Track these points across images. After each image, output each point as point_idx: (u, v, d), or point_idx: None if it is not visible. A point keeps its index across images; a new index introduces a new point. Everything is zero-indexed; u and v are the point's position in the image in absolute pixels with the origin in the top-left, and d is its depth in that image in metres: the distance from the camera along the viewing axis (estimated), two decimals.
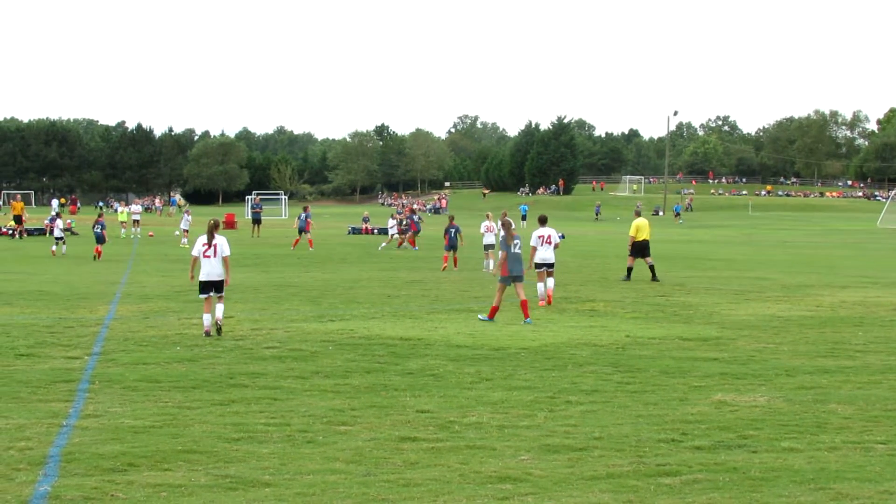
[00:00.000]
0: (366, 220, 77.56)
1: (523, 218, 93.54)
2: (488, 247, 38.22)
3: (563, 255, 40.27)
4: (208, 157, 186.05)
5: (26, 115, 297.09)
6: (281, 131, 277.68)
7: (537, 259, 25.89)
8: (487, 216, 40.46)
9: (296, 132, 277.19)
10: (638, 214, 35.15)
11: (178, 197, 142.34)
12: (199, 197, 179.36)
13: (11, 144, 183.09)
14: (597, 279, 34.15)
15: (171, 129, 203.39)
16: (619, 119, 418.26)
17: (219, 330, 19.61)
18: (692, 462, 10.34)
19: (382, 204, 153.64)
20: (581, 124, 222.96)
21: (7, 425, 11.75)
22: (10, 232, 64.45)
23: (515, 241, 22.81)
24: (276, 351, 17.70)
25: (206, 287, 19.81)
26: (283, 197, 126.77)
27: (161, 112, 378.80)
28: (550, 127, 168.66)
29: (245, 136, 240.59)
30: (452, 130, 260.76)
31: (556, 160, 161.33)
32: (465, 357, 17.23)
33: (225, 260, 19.91)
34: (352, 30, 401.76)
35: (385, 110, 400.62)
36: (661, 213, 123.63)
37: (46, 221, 71.41)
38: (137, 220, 68.97)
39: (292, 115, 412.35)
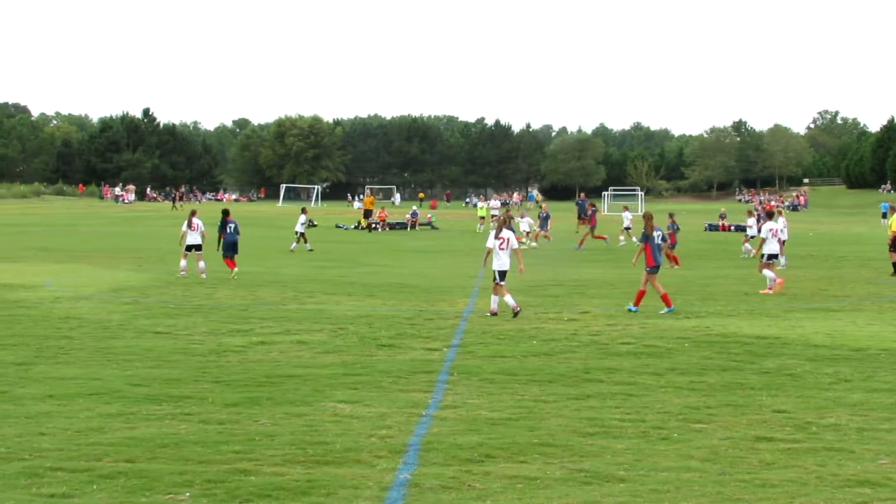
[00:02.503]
0: (723, 216, 76.41)
1: (884, 216, 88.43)
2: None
3: None
4: (565, 153, 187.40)
5: (389, 112, 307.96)
6: (637, 127, 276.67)
7: (766, 251, 28.14)
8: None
9: (652, 128, 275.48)
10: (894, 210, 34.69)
11: (535, 192, 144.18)
12: (556, 192, 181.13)
13: (375, 141, 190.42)
14: None
15: (528, 126, 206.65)
16: None
17: (515, 314, 21.81)
18: None
19: (740, 200, 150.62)
20: None
21: (369, 413, 12.22)
22: (371, 226, 67.18)
23: (657, 233, 23.76)
24: (632, 347, 17.67)
25: (502, 276, 22.33)
26: (640, 193, 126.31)
27: (519, 108, 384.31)
28: None
29: (602, 132, 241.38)
30: (812, 126, 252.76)
31: None
32: (824, 357, 16.70)
33: (516, 252, 22.56)
34: (710, 24, 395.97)
35: (743, 105, 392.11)
36: None
37: (408, 216, 74.05)
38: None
39: (649, 110, 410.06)
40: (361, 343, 18.02)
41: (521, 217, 54.28)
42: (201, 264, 31.23)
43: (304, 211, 47.74)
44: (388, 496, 8.84)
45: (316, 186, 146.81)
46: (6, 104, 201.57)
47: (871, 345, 18.05)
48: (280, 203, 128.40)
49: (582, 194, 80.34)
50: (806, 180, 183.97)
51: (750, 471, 9.73)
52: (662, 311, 22.78)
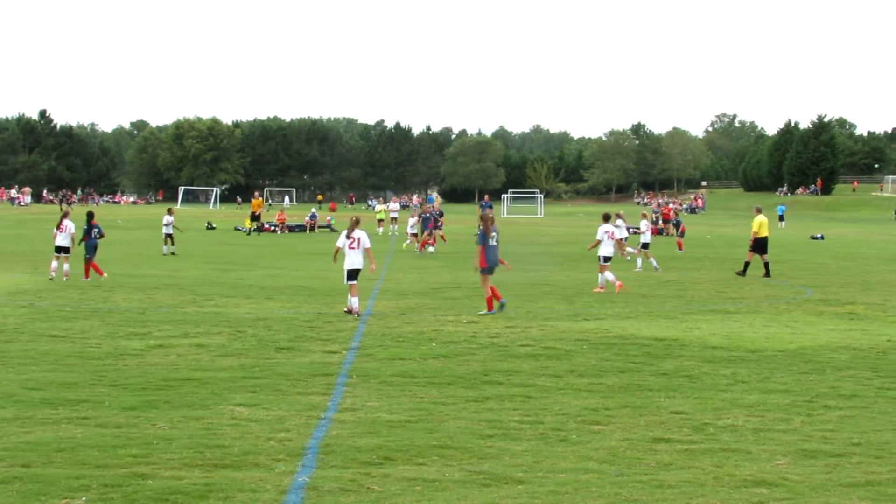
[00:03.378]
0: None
1: (780, 218, 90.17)
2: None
3: (822, 256, 39.24)
4: (465, 155, 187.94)
5: (288, 114, 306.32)
6: (537, 130, 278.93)
7: (603, 252, 29.15)
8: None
9: (552, 131, 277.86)
10: (759, 212, 35.99)
11: (435, 195, 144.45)
12: (455, 195, 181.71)
13: (274, 143, 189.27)
14: (857, 282, 33.05)
15: (428, 128, 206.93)
16: (882, 117, 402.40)
17: (349, 312, 22.71)
18: None
19: (638, 203, 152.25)
20: (842, 123, 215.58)
21: (268, 416, 12.19)
22: (261, 228, 66.94)
23: (493, 235, 23.89)
24: (531, 349, 17.80)
25: (352, 275, 22.94)
26: (540, 195, 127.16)
27: (419, 111, 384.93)
28: (810, 126, 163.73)
29: (501, 134, 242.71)
30: (710, 129, 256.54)
31: (815, 160, 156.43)
32: (721, 358, 16.98)
33: (367, 251, 23.21)
34: (609, 28, 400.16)
35: (642, 109, 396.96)
36: None
37: (307, 219, 73.83)
38: (395, 218, 70.31)
39: (549, 113, 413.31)
40: (260, 346, 17.94)
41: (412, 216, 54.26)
42: (66, 267, 31.06)
43: (169, 212, 46.77)
44: (287, 499, 8.84)
45: (215, 189, 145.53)
46: None
47: (767, 346, 18.40)
48: (178, 205, 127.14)
49: (486, 196, 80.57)
50: (704, 183, 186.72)
51: (648, 472, 9.87)
52: (481, 312, 23.14)
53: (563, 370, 15.71)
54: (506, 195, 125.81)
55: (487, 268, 23.59)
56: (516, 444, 10.88)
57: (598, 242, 29.52)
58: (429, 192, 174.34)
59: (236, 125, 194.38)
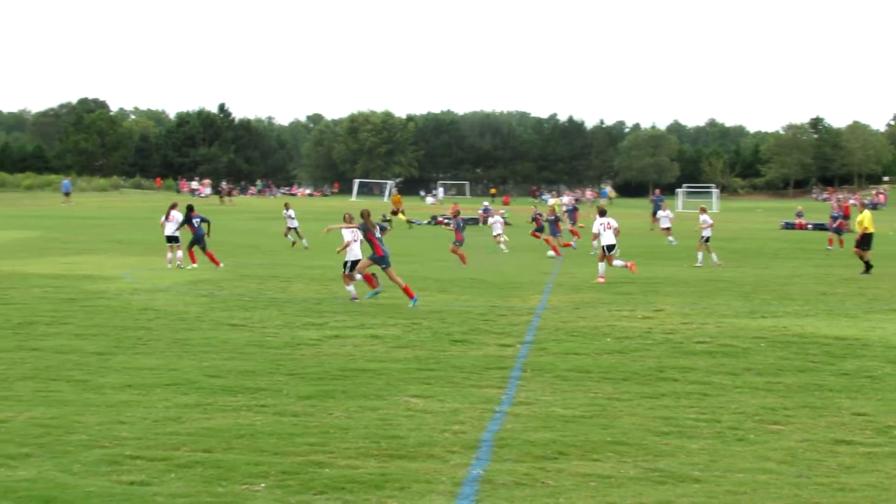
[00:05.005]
0: (799, 214, 75.66)
1: None
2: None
3: None
4: (639, 149, 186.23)
5: (461, 107, 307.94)
6: (712, 123, 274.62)
7: (605, 242, 30.31)
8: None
9: (727, 125, 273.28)
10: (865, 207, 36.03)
11: (608, 188, 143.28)
12: (629, 189, 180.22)
13: (447, 136, 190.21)
14: None
15: (602, 122, 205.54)
16: None
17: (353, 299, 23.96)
18: None
19: (816, 199, 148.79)
20: None
21: (442, 408, 12.25)
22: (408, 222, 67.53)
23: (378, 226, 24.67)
24: (707, 346, 17.53)
25: (351, 266, 24.41)
26: (715, 190, 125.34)
27: (592, 104, 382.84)
28: None
29: (676, 128, 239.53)
30: (892, 123, 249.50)
31: None
32: None
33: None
34: (787, 20, 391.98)
35: (820, 102, 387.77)
36: None
37: (480, 212, 74.04)
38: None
39: (724, 107, 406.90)
40: (435, 338, 18.06)
41: (492, 217, 53.31)
42: (178, 254, 32.89)
43: (287, 206, 46.99)
44: (461, 491, 8.87)
45: (389, 181, 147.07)
46: (86, 99, 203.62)
47: None
48: (353, 198, 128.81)
49: (657, 191, 79.70)
50: (886, 178, 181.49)
51: (828, 474, 9.62)
52: (368, 296, 24.19)
53: (740, 368, 15.43)
54: (680, 190, 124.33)
55: (381, 256, 23.92)
56: (692, 443, 10.72)
57: (597, 235, 31.27)
58: (602, 185, 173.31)
59: (410, 118, 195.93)
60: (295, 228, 45.68)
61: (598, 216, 31.34)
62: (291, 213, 45.91)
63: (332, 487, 8.91)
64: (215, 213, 59.75)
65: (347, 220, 25.15)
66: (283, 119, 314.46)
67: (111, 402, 12.27)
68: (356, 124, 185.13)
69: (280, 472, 9.35)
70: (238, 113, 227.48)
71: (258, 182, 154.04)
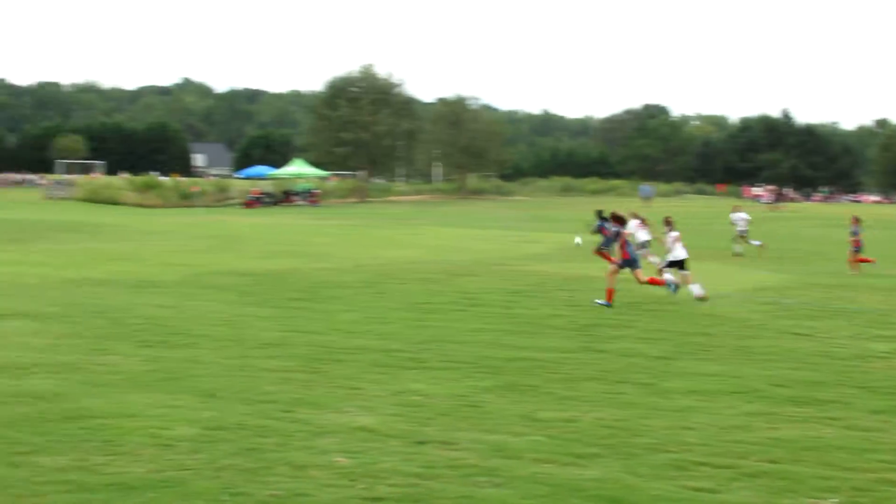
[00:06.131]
0: None
1: None
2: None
3: None
4: None
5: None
6: None
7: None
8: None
9: None
10: None
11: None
12: None
13: None
14: None
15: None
16: None
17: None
18: None
19: None
20: None
21: None
22: None
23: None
24: None
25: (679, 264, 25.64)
26: None
27: None
28: None
29: None
30: None
31: None
32: None
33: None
34: None
35: None
36: None
37: None
38: None
39: None
40: None
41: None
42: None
43: (735, 209, 43.52)
44: None
45: None
46: (649, 106, 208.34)
47: None
48: None
49: None
50: None
51: None
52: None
53: None
54: None
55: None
56: None
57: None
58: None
59: None
60: (742, 232, 42.49)
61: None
62: (742, 215, 42.65)
63: None
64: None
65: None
66: (848, 124, 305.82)
67: (677, 406, 12.40)
68: None
69: (851, 487, 9.12)
70: (801, 118, 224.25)
71: (823, 188, 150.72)
